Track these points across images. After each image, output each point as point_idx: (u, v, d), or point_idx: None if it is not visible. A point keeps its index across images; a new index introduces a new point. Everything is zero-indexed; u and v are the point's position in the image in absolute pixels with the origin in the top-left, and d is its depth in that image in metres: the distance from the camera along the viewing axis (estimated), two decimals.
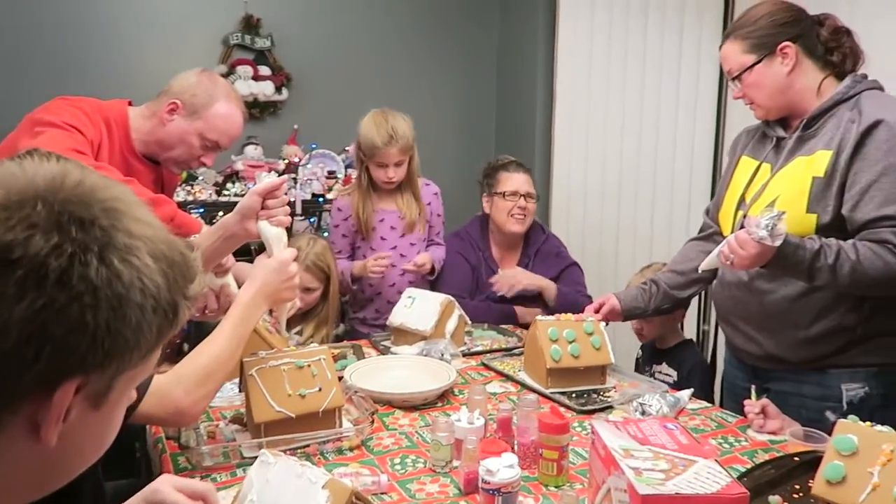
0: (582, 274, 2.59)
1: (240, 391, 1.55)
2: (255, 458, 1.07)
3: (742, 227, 1.51)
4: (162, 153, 1.79)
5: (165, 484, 0.96)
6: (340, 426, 1.46)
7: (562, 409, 1.61)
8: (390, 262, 2.41)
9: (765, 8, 1.62)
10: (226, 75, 3.00)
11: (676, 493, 0.86)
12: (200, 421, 1.46)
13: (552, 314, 1.85)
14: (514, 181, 2.52)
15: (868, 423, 1.12)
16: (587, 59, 3.18)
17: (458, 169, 3.34)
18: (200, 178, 2.97)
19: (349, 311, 2.61)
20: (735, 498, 0.86)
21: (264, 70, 3.15)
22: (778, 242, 1.38)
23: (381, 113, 2.41)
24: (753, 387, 1.57)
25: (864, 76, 1.60)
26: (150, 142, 1.78)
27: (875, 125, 1.46)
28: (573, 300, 2.39)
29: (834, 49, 1.62)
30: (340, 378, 1.58)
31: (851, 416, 1.15)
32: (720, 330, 1.93)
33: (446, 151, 3.42)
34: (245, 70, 3.09)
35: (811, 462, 1.31)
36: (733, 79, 1.66)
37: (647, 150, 3.27)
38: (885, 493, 1.03)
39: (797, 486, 1.27)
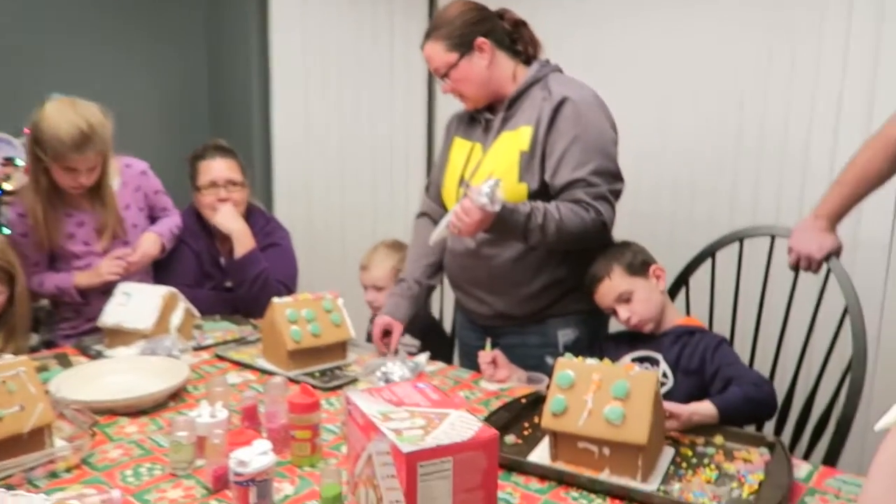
0: (288, 259, 2.37)
1: None
2: None
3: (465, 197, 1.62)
4: None
5: None
6: (52, 446, 1.25)
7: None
8: (130, 258, 2.09)
9: (456, 8, 1.75)
10: None
11: (437, 445, 0.89)
12: None
13: None
14: (211, 170, 2.26)
15: (580, 358, 1.28)
16: (302, 42, 3.12)
17: (168, 151, 3.04)
18: None
19: (50, 322, 2.22)
20: (488, 439, 0.92)
21: None
22: (497, 207, 1.52)
23: (69, 104, 1.94)
24: (489, 339, 1.72)
25: (547, 61, 1.83)
26: None
27: (563, 102, 1.68)
28: (255, 271, 2.21)
29: (517, 39, 1.82)
30: (46, 392, 1.35)
31: (567, 354, 1.31)
32: (446, 296, 2.05)
33: (152, 132, 3.09)
34: None
35: (535, 401, 1.48)
36: (441, 76, 1.76)
37: (365, 133, 3.35)
38: (598, 415, 1.19)
39: (526, 424, 1.42)
